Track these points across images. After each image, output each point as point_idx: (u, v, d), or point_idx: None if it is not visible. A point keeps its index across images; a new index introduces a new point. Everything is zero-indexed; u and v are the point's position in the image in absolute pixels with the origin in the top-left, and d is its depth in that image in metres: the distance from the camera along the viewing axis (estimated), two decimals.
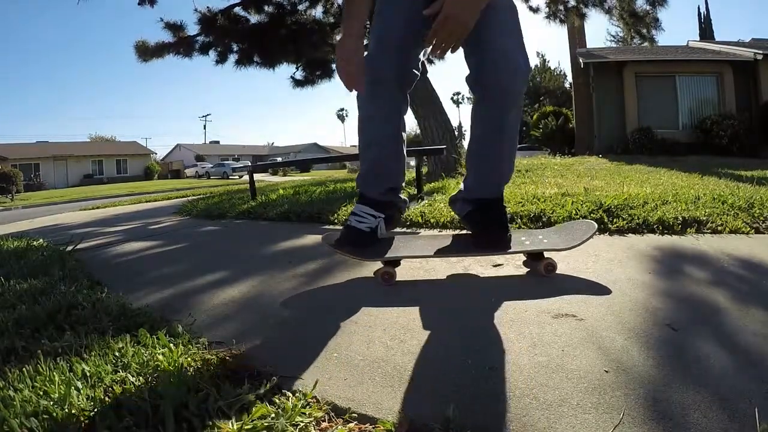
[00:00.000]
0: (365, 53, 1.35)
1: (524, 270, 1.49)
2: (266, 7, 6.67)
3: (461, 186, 1.56)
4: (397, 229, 2.38)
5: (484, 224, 1.46)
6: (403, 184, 1.55)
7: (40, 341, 1.02)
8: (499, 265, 1.56)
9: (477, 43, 1.32)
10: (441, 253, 1.47)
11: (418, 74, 1.46)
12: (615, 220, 2.04)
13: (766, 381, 0.78)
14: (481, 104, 1.40)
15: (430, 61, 1.33)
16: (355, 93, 1.41)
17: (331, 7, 7.06)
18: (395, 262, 1.44)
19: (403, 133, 1.49)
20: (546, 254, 1.41)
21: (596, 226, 1.46)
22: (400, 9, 1.40)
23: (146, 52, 6.76)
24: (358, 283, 1.51)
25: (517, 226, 2.17)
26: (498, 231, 1.44)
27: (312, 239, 2.27)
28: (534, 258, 1.43)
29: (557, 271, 1.40)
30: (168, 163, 41.68)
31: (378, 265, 1.45)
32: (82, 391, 0.78)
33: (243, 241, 2.65)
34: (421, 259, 1.67)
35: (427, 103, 5.84)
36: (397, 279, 1.48)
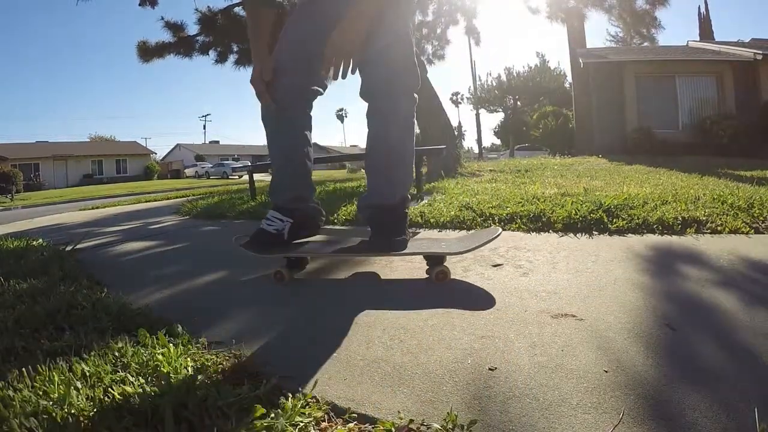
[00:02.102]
0: (272, 70, 1.48)
1: (524, 270, 1.49)
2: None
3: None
4: None
5: (380, 228, 1.53)
6: (312, 194, 1.66)
7: (40, 341, 1.02)
8: (498, 265, 1.56)
9: (365, 64, 1.46)
10: (339, 252, 1.56)
11: (323, 91, 1.58)
12: (615, 221, 2.04)
13: (766, 381, 0.78)
14: (369, 117, 1.52)
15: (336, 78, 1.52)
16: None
17: None
18: (298, 263, 1.58)
19: (308, 148, 1.60)
20: (446, 262, 1.43)
21: (500, 231, 1.55)
22: (301, 33, 1.52)
23: (147, 52, 6.77)
24: (357, 284, 1.51)
25: (517, 226, 2.17)
26: (390, 234, 1.49)
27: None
28: (432, 264, 1.44)
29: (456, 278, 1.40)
30: (168, 163, 41.65)
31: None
32: (81, 391, 0.78)
33: None
34: (421, 260, 1.67)
35: (427, 103, 5.84)
36: (397, 277, 1.48)
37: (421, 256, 1.49)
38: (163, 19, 6.77)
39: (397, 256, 1.52)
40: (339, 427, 0.72)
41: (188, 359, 0.89)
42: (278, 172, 1.62)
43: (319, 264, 1.75)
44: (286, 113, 1.53)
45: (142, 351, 0.93)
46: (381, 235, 1.52)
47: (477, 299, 1.25)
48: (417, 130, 1.58)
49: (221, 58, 7.20)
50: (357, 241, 1.60)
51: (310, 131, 1.61)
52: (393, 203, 1.51)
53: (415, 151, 1.57)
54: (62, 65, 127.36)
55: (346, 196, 3.73)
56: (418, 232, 2.30)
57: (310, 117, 1.60)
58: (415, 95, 1.52)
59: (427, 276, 1.44)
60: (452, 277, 1.43)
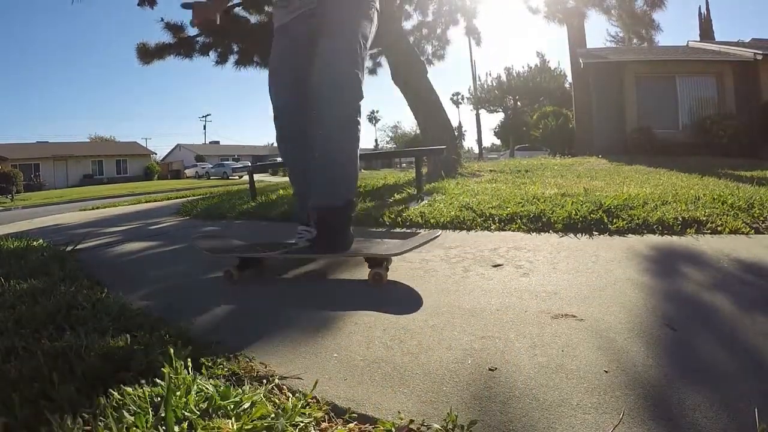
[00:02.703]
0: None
1: (524, 270, 1.49)
2: (266, 7, 6.66)
3: None
4: (398, 229, 2.38)
5: (322, 229, 1.55)
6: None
7: (40, 341, 1.02)
8: (499, 265, 1.56)
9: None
10: (287, 253, 1.60)
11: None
12: (615, 221, 2.04)
13: (766, 381, 0.78)
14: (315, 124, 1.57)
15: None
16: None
17: None
18: (251, 264, 1.65)
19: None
20: (389, 263, 1.49)
21: (439, 233, 1.61)
22: (284, 77, 1.68)
23: (147, 54, 6.76)
24: (357, 284, 1.51)
25: (517, 226, 2.17)
26: (332, 235, 1.53)
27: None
28: (372, 266, 1.46)
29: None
30: (168, 163, 41.64)
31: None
32: (81, 392, 0.78)
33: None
34: (422, 260, 1.68)
35: (427, 104, 5.84)
36: (397, 278, 1.48)
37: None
38: (162, 20, 6.77)
39: (341, 257, 1.58)
40: (339, 427, 0.73)
41: (188, 359, 0.89)
42: (296, 190, 1.80)
43: (316, 266, 1.75)
44: (293, 142, 1.72)
45: (142, 351, 0.93)
46: (325, 235, 1.54)
47: (477, 299, 1.25)
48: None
49: (221, 59, 7.19)
50: (302, 242, 1.62)
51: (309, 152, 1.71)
52: (339, 205, 1.52)
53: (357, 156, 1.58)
54: (62, 65, 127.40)
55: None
56: (419, 233, 2.30)
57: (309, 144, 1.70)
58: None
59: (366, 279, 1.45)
60: (452, 277, 1.43)
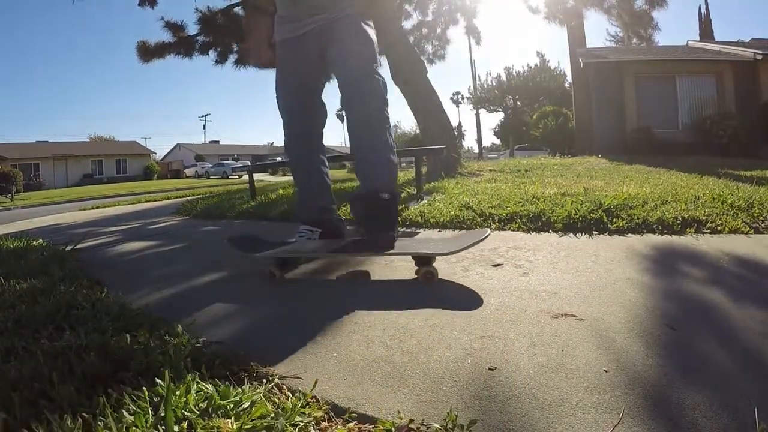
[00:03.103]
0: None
1: (524, 270, 1.49)
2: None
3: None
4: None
5: (371, 226, 1.59)
6: (334, 207, 1.89)
7: (40, 341, 1.02)
8: (499, 265, 1.56)
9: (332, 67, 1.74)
10: (329, 252, 1.60)
11: (325, 120, 1.88)
12: (615, 220, 2.04)
13: (766, 381, 0.78)
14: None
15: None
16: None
17: None
18: (289, 263, 1.63)
19: (324, 167, 1.87)
20: (435, 262, 1.44)
21: (488, 232, 1.56)
22: (292, 81, 1.79)
23: (147, 52, 6.77)
24: (357, 283, 1.51)
25: (517, 226, 2.17)
26: (379, 230, 1.56)
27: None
28: (421, 264, 1.44)
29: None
30: (168, 162, 41.57)
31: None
32: (81, 392, 0.78)
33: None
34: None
35: (427, 103, 5.84)
36: (396, 278, 1.48)
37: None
38: (163, 19, 6.77)
39: (385, 256, 1.53)
40: (339, 426, 0.73)
41: (188, 359, 0.89)
42: (302, 189, 1.87)
43: (316, 264, 1.75)
44: (302, 147, 1.84)
45: (142, 351, 0.93)
46: (371, 230, 1.58)
47: (477, 299, 1.25)
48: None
49: (221, 58, 7.20)
50: (346, 241, 1.64)
51: (324, 154, 1.90)
52: (380, 194, 1.58)
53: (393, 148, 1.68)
54: (62, 65, 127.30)
55: (346, 195, 3.73)
56: (418, 232, 2.30)
57: (322, 141, 1.89)
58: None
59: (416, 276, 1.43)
60: (452, 277, 1.43)
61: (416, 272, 1.44)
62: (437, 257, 1.44)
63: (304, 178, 1.87)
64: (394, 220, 1.62)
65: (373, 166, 1.64)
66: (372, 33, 1.76)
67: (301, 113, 1.82)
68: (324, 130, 1.92)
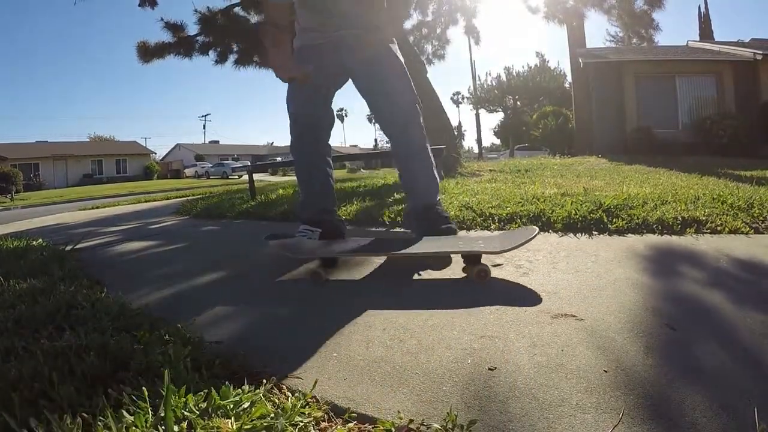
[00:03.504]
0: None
1: (524, 270, 1.49)
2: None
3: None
4: (398, 229, 2.38)
5: (425, 227, 1.72)
6: (335, 208, 1.97)
7: (40, 341, 1.02)
8: (498, 265, 1.56)
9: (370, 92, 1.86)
10: (386, 253, 1.63)
11: (333, 121, 1.92)
12: (614, 220, 2.04)
13: (766, 381, 0.78)
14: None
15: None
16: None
17: None
18: (333, 263, 1.62)
19: (329, 169, 1.92)
20: (483, 260, 1.43)
21: (536, 230, 1.54)
22: (307, 90, 1.81)
23: (147, 52, 6.77)
24: (357, 283, 1.51)
25: (517, 226, 2.17)
26: (433, 227, 1.70)
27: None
28: (471, 263, 1.43)
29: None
30: (167, 162, 41.56)
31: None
32: (81, 391, 0.78)
33: (242, 241, 2.64)
34: (422, 260, 1.67)
35: (426, 103, 5.83)
36: (396, 277, 1.48)
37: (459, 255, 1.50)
38: (162, 19, 6.77)
39: (434, 255, 1.57)
40: (339, 426, 0.73)
41: (188, 359, 0.89)
42: (305, 190, 1.92)
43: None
44: (307, 149, 1.88)
45: (141, 351, 0.93)
46: (427, 230, 1.69)
47: (477, 299, 1.25)
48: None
49: (221, 58, 7.20)
50: (395, 241, 1.71)
51: (330, 156, 1.94)
52: (427, 204, 1.79)
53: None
54: (62, 65, 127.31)
55: (346, 195, 3.73)
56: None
57: (328, 145, 1.93)
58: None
59: (465, 275, 1.43)
60: (452, 277, 1.43)
61: (464, 269, 1.45)
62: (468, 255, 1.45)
63: (306, 179, 1.91)
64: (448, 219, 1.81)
65: (426, 187, 1.83)
66: (401, 58, 1.90)
67: (310, 118, 1.86)
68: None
